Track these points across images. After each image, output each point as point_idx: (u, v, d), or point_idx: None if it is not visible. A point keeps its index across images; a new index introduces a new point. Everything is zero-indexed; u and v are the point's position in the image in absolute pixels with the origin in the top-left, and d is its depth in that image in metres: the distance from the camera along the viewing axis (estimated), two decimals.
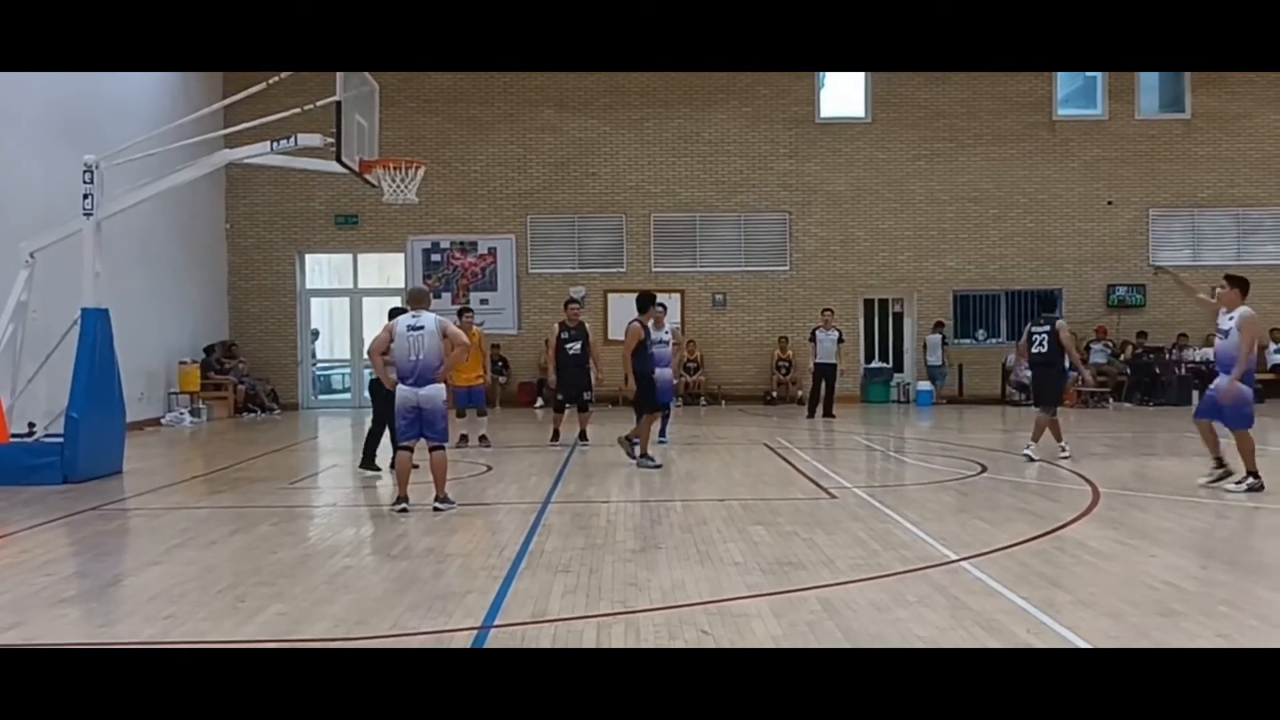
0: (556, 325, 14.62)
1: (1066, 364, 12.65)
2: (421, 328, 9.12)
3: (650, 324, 14.60)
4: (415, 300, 9.53)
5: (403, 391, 9.13)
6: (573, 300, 15.64)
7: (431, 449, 9.26)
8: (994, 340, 23.34)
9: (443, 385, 9.23)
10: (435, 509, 9.03)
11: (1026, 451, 12.09)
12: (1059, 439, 12.22)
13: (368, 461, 11.44)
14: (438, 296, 22.74)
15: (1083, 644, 5.00)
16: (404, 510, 8.95)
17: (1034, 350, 12.41)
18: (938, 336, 22.59)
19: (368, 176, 12.24)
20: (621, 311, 20.90)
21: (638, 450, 11.85)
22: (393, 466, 9.92)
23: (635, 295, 12.50)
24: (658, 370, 14.48)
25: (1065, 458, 11.92)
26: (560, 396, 14.66)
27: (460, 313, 14.88)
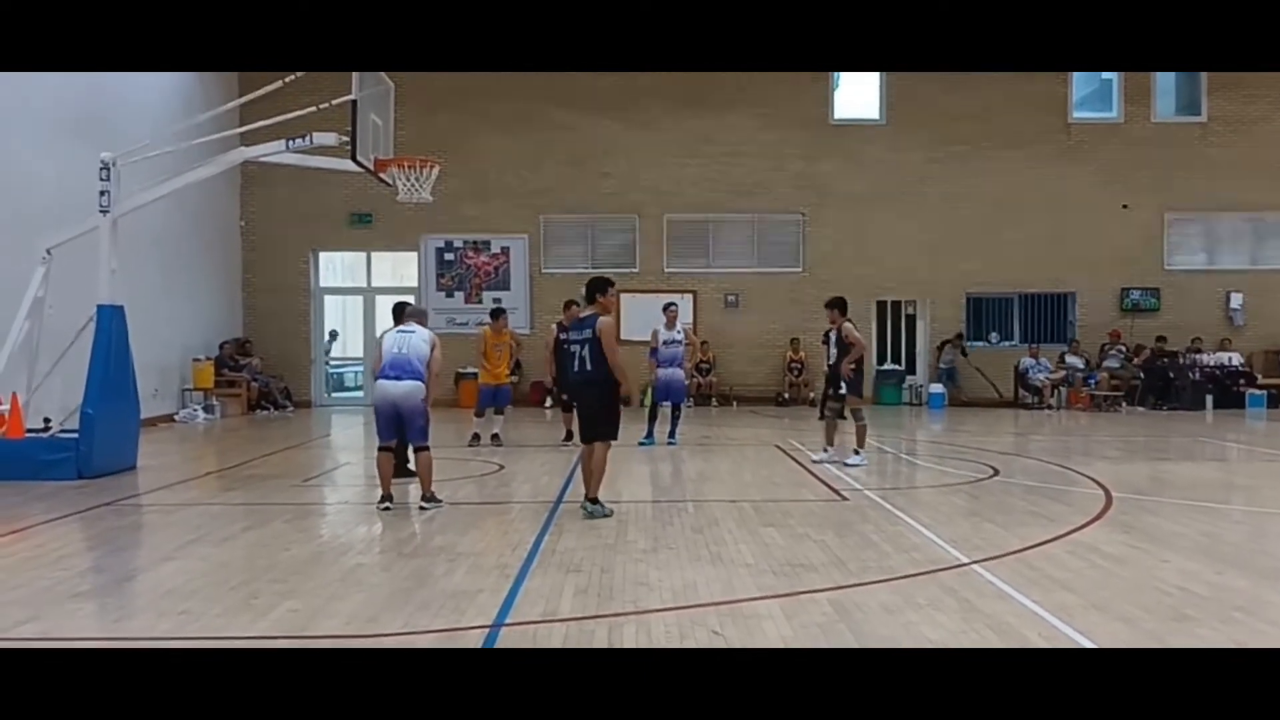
0: (554, 326, 14.45)
1: None
2: (413, 331, 9.30)
3: (662, 324, 14.65)
4: (411, 316, 9.72)
5: (381, 387, 9.13)
6: (574, 301, 15.41)
7: (416, 450, 9.30)
8: (1007, 343, 23.29)
9: (422, 384, 9.15)
10: (421, 508, 9.08)
11: None
12: None
13: (400, 469, 11.30)
14: (450, 296, 22.85)
15: (1094, 648, 4.98)
16: (388, 509, 9.00)
17: None
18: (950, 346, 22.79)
19: (382, 175, 12.27)
20: (635, 312, 20.95)
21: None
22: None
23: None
24: (667, 370, 14.51)
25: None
26: (566, 397, 14.53)
27: (494, 314, 14.79)
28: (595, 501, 8.72)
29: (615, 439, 8.92)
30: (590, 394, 8.84)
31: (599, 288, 8.99)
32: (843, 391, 12.22)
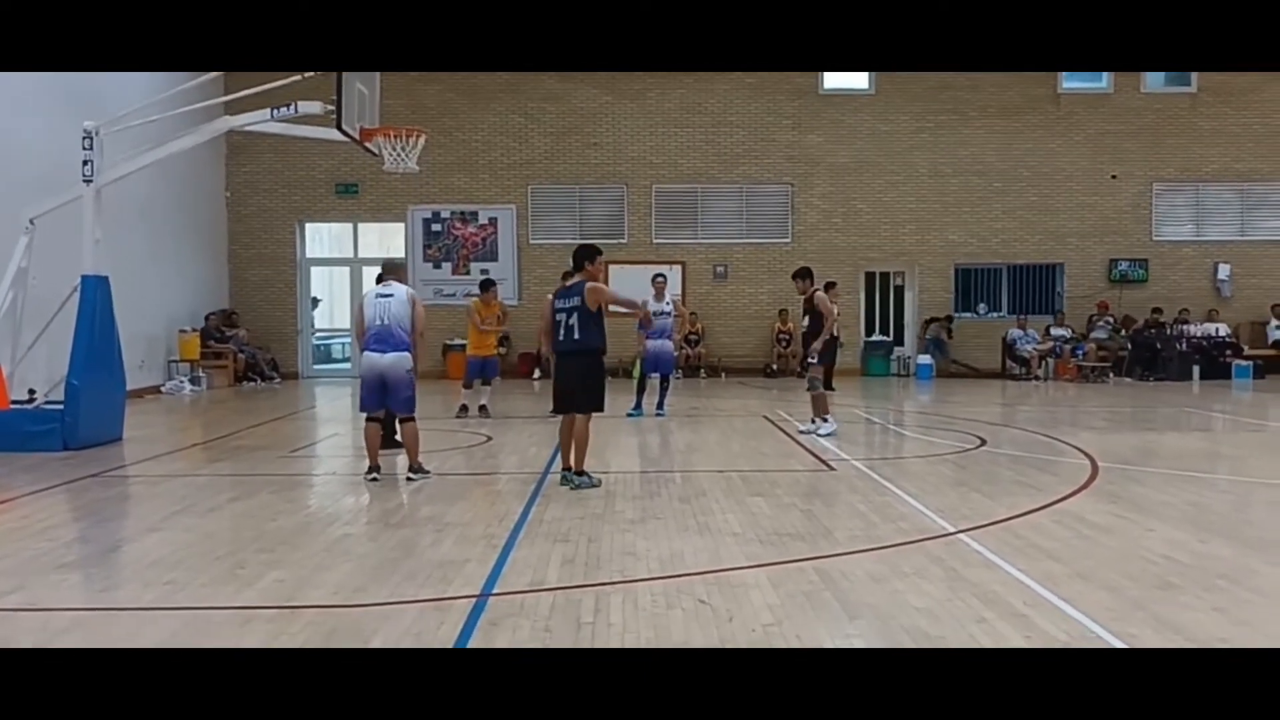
0: (550, 296, 14.35)
1: None
2: (391, 295, 9.13)
3: (651, 295, 14.61)
4: (388, 271, 9.49)
5: (367, 358, 9.09)
6: (571, 272, 15.31)
7: (401, 421, 9.28)
8: (995, 314, 23.32)
9: (408, 354, 9.12)
10: (408, 478, 9.08)
11: None
12: None
13: (387, 440, 11.26)
14: (437, 267, 22.75)
15: (1079, 616, 5.01)
16: (375, 479, 8.99)
17: None
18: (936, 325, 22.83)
19: (368, 145, 12.18)
20: (623, 283, 20.86)
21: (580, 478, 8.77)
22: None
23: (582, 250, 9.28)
24: (656, 341, 14.49)
25: None
26: None
27: (484, 285, 14.77)
28: (581, 473, 8.73)
29: (601, 410, 8.92)
30: (574, 364, 8.77)
31: (587, 255, 9.00)
32: (811, 361, 12.34)
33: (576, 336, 8.69)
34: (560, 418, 9.01)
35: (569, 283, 8.99)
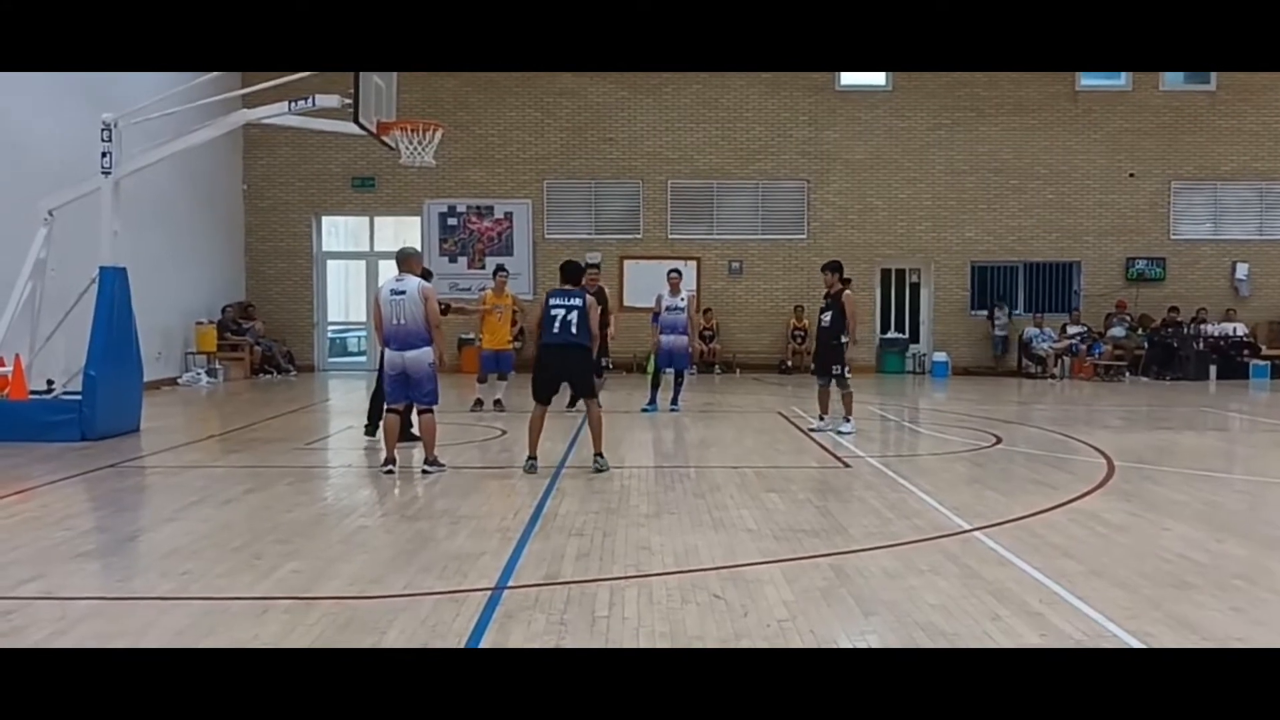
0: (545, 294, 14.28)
1: None
2: (403, 293, 9.11)
3: (666, 290, 14.61)
4: (402, 262, 9.38)
5: (389, 355, 9.20)
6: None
7: (420, 412, 9.34)
8: (1012, 312, 23.22)
9: (429, 348, 9.14)
10: (424, 471, 9.11)
11: None
12: None
13: (373, 427, 11.26)
14: (453, 261, 22.78)
15: (1094, 614, 5.00)
16: (390, 471, 9.05)
17: None
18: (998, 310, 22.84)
19: (385, 138, 12.21)
20: (638, 278, 20.90)
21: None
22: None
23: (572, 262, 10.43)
24: (669, 337, 14.48)
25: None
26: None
27: (495, 272, 14.89)
28: (600, 454, 9.34)
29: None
30: (575, 356, 9.35)
31: (580, 271, 10.16)
32: (836, 372, 12.06)
33: (574, 332, 9.25)
34: (539, 409, 9.46)
35: (567, 287, 9.60)
